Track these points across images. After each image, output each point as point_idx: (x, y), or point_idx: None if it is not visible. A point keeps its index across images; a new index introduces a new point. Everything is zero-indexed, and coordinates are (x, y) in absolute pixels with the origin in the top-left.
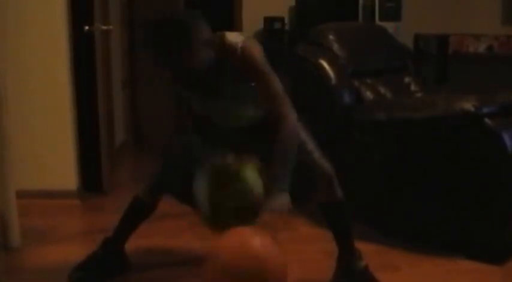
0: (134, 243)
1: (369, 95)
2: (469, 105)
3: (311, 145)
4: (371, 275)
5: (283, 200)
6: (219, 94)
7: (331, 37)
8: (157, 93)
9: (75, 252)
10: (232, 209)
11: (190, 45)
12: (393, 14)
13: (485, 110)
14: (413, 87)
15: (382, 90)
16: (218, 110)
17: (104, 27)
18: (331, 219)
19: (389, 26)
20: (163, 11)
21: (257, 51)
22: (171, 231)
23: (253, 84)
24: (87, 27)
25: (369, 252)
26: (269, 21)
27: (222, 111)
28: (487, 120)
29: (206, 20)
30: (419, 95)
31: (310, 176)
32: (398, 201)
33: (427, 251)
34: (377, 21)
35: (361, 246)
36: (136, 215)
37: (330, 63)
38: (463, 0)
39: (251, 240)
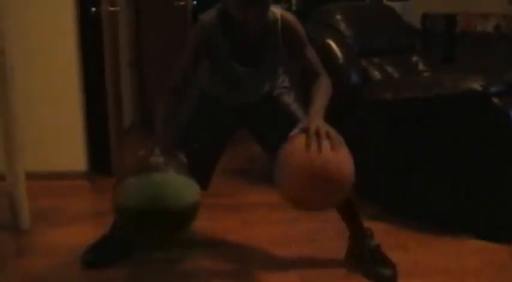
0: None
1: (376, 74)
2: (476, 85)
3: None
4: (383, 254)
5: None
6: (252, 63)
7: (338, 17)
8: (165, 74)
9: (85, 233)
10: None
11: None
12: None
13: (493, 89)
14: (420, 67)
15: (390, 69)
16: (240, 82)
17: (111, 9)
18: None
19: (397, 6)
20: None
21: (296, 20)
22: None
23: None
24: (94, 9)
25: (378, 232)
26: (276, 1)
27: (245, 83)
28: (494, 99)
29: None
30: (426, 74)
31: None
32: (406, 180)
33: (436, 231)
34: (385, 1)
35: (370, 226)
36: None
37: (337, 43)
38: None
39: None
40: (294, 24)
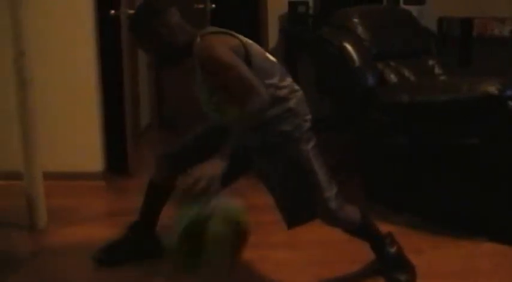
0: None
1: (392, 77)
2: (492, 88)
3: (321, 176)
4: (402, 258)
5: (213, 166)
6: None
7: (355, 20)
8: (182, 76)
9: (100, 233)
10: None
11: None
12: None
13: (508, 92)
14: (437, 70)
15: (406, 72)
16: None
17: (130, 11)
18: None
19: (414, 9)
20: None
21: (216, 42)
22: None
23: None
24: (113, 11)
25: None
26: (293, 5)
27: (202, 99)
28: (510, 103)
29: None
30: (443, 77)
31: (312, 207)
32: (419, 182)
33: (450, 233)
34: (402, 5)
35: (383, 228)
36: (155, 199)
37: (353, 46)
38: None
39: None
40: (208, 45)
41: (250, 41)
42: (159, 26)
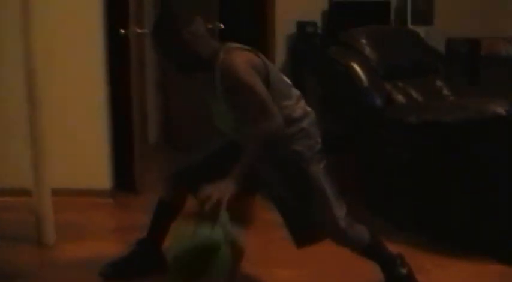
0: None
1: (400, 98)
2: (500, 109)
3: (331, 195)
4: (414, 280)
5: (224, 186)
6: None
7: (363, 40)
8: (190, 94)
9: (107, 249)
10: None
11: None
12: (425, 18)
13: None
14: (445, 91)
15: (414, 93)
16: (215, 112)
17: (139, 31)
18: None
19: (421, 30)
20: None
21: (241, 60)
22: None
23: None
24: (122, 31)
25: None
26: (302, 25)
27: (218, 115)
28: None
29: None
30: (450, 98)
31: (321, 226)
32: (427, 202)
33: (457, 253)
34: (409, 25)
35: (389, 247)
36: (163, 217)
37: (361, 66)
38: (495, 4)
39: None
40: (232, 62)
41: (268, 62)
42: (186, 33)
